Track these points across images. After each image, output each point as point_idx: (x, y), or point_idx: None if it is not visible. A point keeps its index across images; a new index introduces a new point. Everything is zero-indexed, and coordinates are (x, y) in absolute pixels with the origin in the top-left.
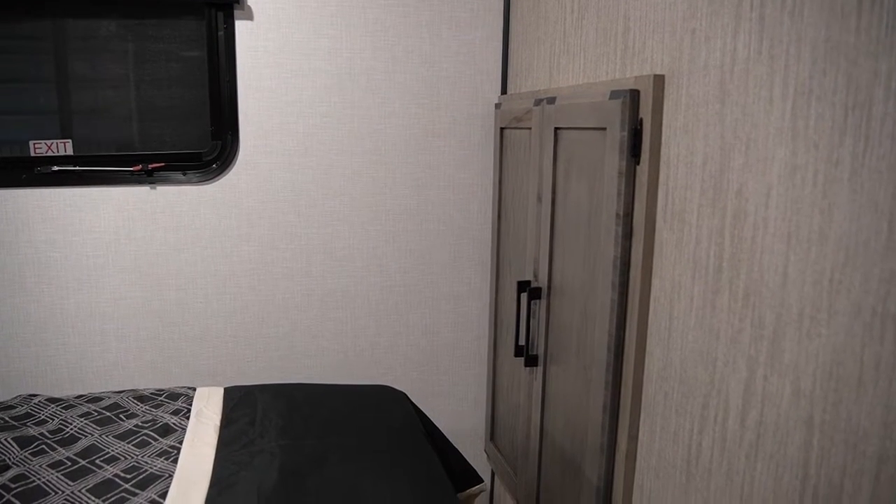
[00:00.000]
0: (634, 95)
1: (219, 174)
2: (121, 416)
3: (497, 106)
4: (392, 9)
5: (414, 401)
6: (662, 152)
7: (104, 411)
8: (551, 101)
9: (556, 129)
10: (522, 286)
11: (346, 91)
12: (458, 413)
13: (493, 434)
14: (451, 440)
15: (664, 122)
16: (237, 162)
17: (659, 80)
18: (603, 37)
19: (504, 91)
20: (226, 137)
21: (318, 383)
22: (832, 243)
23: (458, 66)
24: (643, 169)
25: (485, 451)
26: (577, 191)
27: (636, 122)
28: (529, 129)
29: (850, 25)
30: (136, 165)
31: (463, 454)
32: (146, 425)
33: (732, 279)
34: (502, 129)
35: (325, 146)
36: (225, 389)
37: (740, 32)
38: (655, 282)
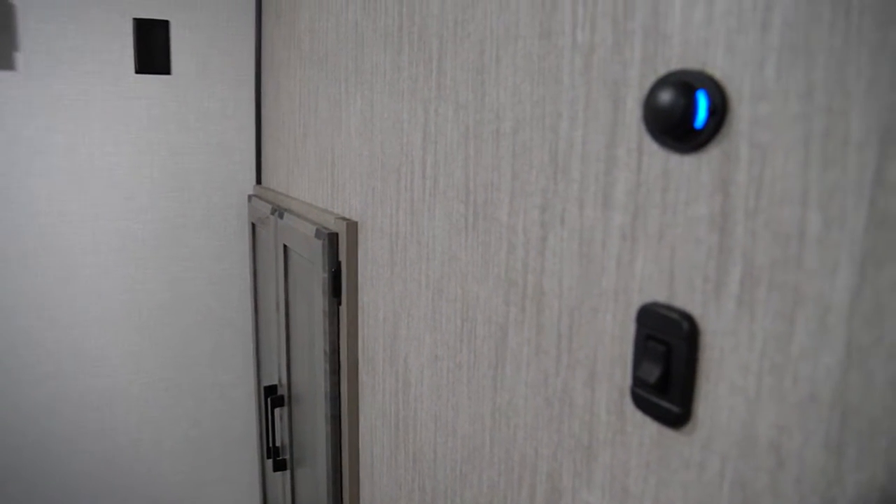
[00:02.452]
0: (333, 238)
1: None
2: None
3: (250, 198)
4: (134, 101)
5: (186, 491)
6: (360, 298)
7: None
8: (282, 214)
9: (285, 245)
10: (269, 391)
11: (88, 188)
12: (233, 499)
13: None
14: None
15: (359, 269)
16: None
17: (353, 227)
18: (319, 162)
19: (259, 181)
20: None
21: None
22: (459, 439)
23: (209, 156)
24: (344, 311)
25: None
26: (301, 314)
27: (336, 265)
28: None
29: (461, 242)
30: None
31: None
32: None
33: (405, 441)
34: (253, 224)
35: (67, 246)
36: None
37: (401, 210)
38: (362, 419)
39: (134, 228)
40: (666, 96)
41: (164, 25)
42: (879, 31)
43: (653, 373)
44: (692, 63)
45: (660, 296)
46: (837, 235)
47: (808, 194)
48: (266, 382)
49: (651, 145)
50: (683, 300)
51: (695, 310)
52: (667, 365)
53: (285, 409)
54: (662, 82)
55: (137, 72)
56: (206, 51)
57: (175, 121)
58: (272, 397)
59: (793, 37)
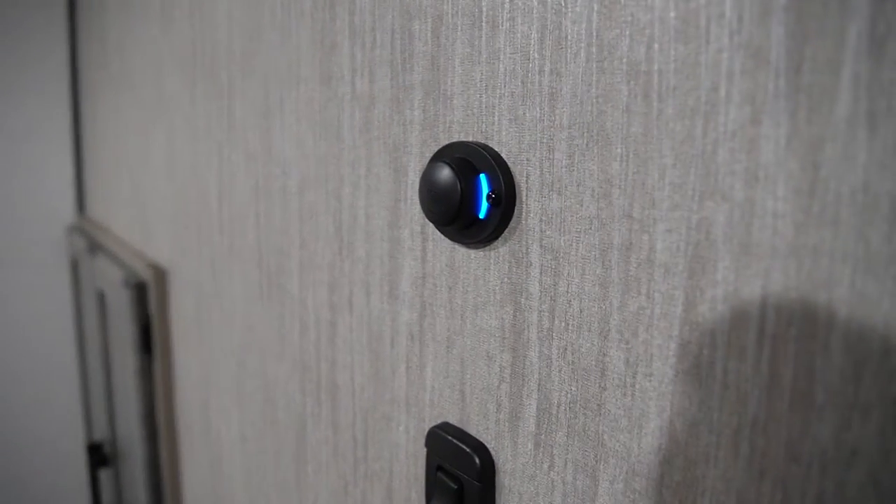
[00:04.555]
0: (142, 288)
1: None
2: None
3: (70, 231)
4: None
5: None
6: (176, 356)
7: None
8: (94, 251)
9: (100, 289)
10: (92, 449)
11: None
12: None
13: None
14: None
15: (172, 322)
16: None
17: (162, 276)
18: (132, 197)
19: (83, 209)
20: None
21: None
22: None
23: (16, 182)
24: (158, 369)
25: None
26: (121, 367)
27: (146, 317)
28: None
29: (258, 312)
30: None
31: None
32: None
33: None
34: (76, 259)
35: None
36: None
37: (203, 265)
38: (187, 491)
39: None
40: (442, 178)
41: None
42: (684, 120)
43: None
44: (475, 134)
45: (452, 416)
46: (643, 382)
47: (609, 323)
48: (96, 437)
49: (435, 231)
50: (477, 427)
51: (489, 441)
52: None
53: (112, 469)
54: (437, 159)
55: None
56: (9, 62)
57: None
58: (94, 456)
59: (585, 116)
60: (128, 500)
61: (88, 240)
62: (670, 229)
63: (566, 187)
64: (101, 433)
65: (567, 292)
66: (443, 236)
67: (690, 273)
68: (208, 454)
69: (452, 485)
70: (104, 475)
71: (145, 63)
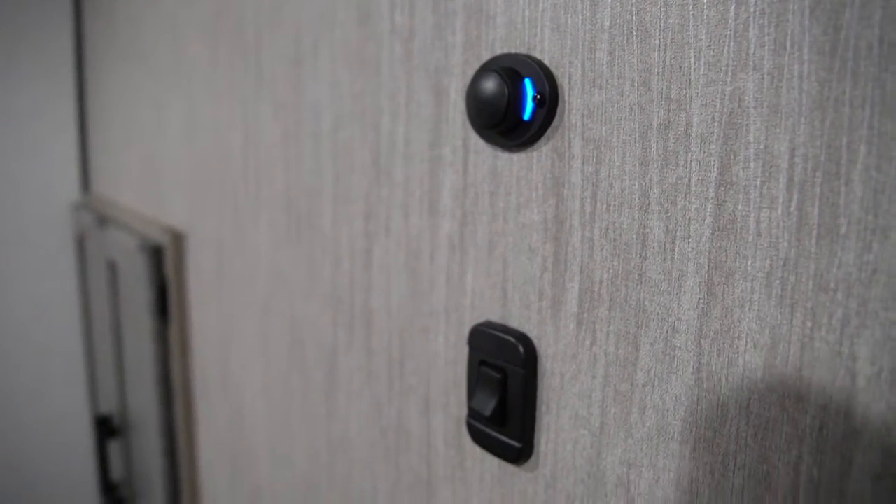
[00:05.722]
0: (158, 251)
1: None
2: None
3: (75, 208)
4: None
5: None
6: (192, 318)
7: None
8: (104, 224)
9: (111, 260)
10: (101, 421)
11: None
12: None
13: None
14: None
15: (190, 284)
16: None
17: (179, 239)
18: (144, 166)
19: (87, 188)
20: None
21: None
22: (298, 474)
23: (20, 162)
24: (176, 332)
25: None
26: (134, 336)
27: (161, 281)
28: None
29: (287, 255)
30: None
31: None
32: None
33: (243, 476)
34: (81, 236)
35: None
36: None
37: (225, 220)
38: (202, 452)
39: None
40: (489, 85)
41: None
42: (717, 6)
43: (488, 405)
44: (518, 47)
45: (494, 315)
46: (681, 245)
47: (649, 197)
48: (104, 411)
49: (477, 142)
50: (519, 320)
51: (531, 331)
52: (503, 395)
53: (122, 440)
54: (484, 69)
55: None
56: (11, 38)
57: None
58: (103, 428)
59: (625, 14)
60: (138, 471)
61: (98, 214)
62: (706, 104)
63: (607, 82)
64: (108, 406)
65: (609, 176)
66: (485, 145)
67: (725, 139)
68: (227, 412)
69: (496, 374)
70: (113, 448)
71: (160, 32)
